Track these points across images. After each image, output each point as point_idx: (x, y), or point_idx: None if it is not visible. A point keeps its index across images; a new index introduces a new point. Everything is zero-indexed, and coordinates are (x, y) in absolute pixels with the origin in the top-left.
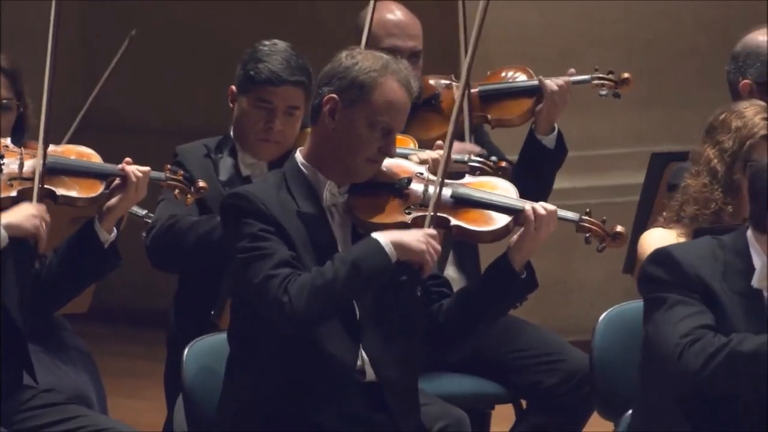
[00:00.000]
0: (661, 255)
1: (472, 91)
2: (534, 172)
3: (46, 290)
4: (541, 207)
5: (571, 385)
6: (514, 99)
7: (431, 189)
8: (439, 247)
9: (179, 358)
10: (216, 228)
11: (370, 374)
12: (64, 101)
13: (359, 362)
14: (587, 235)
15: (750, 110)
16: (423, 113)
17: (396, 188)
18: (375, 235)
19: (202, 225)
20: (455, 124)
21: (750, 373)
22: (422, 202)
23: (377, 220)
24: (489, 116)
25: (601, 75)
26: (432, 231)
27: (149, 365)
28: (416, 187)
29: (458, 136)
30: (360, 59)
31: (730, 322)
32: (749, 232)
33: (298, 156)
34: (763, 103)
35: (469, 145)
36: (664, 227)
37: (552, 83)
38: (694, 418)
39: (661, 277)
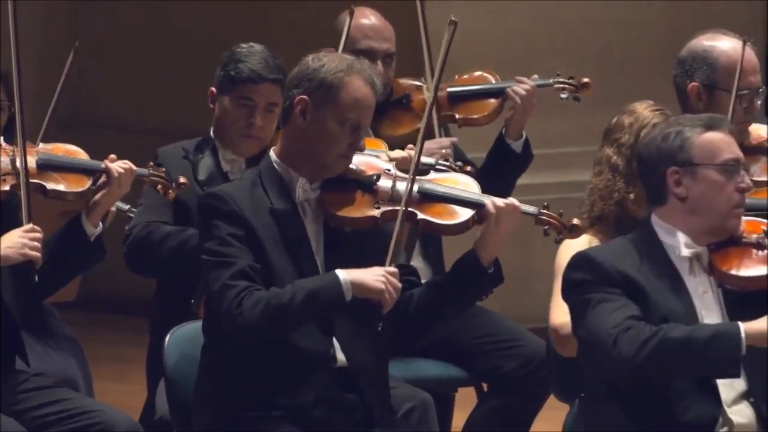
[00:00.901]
0: (580, 259)
1: (441, 93)
2: (499, 174)
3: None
4: (501, 201)
5: (530, 369)
6: (480, 100)
7: (399, 184)
8: (398, 284)
9: (161, 344)
10: (186, 241)
11: (341, 360)
12: (56, 99)
13: (330, 349)
14: (546, 227)
15: (640, 107)
16: (394, 112)
17: (366, 184)
18: (338, 271)
19: (172, 238)
20: (426, 126)
21: (680, 359)
22: (390, 197)
23: (348, 214)
24: (456, 116)
25: (562, 79)
26: (392, 269)
27: (133, 351)
28: (385, 183)
29: (429, 134)
30: (326, 61)
31: (658, 306)
32: (653, 218)
33: (272, 155)
34: (651, 101)
35: (444, 140)
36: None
37: (519, 89)
38: (628, 408)
39: (583, 279)
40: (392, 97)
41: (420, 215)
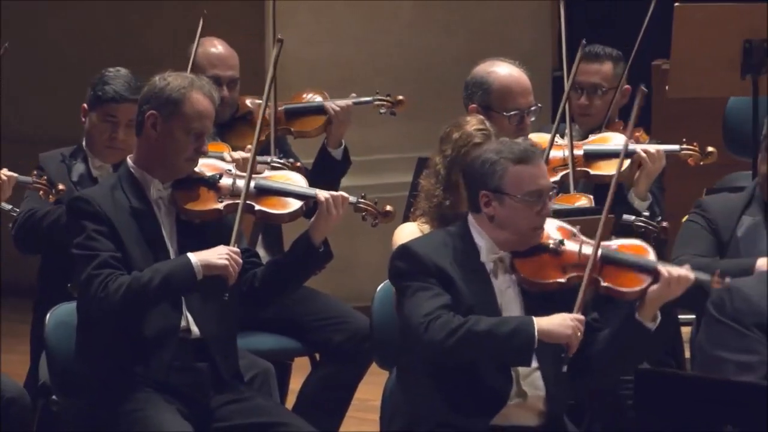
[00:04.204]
0: (403, 250)
1: (279, 108)
2: (324, 177)
3: None
4: (331, 193)
5: (355, 341)
6: (310, 116)
7: (238, 182)
8: (240, 261)
9: (43, 320)
10: (62, 215)
11: (195, 332)
12: None
13: (184, 323)
14: (363, 214)
15: (468, 124)
16: (239, 127)
17: (210, 182)
18: (190, 254)
19: (51, 213)
20: (258, 136)
21: (481, 348)
22: (231, 192)
23: (196, 207)
24: (292, 129)
25: (380, 97)
26: (234, 248)
27: (20, 327)
28: (226, 180)
29: (266, 144)
30: (171, 80)
31: (465, 296)
32: (470, 218)
33: (129, 161)
34: (482, 117)
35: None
36: (412, 221)
37: (335, 105)
38: (438, 377)
39: (404, 268)
40: (237, 114)
41: (257, 207)
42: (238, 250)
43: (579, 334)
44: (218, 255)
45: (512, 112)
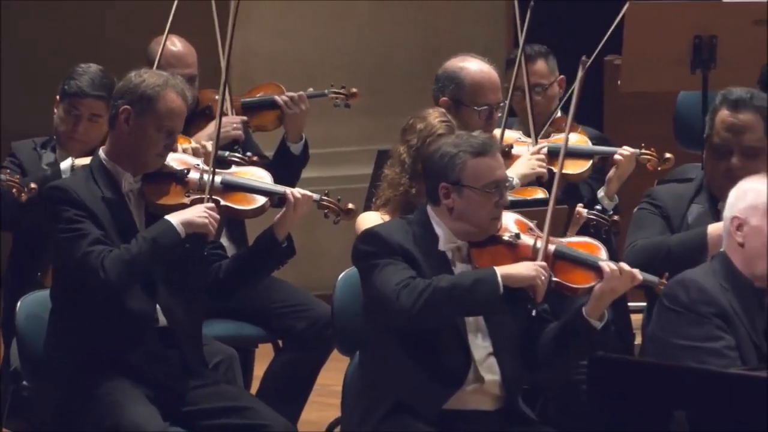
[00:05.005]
0: (367, 234)
1: (236, 103)
2: (283, 171)
3: None
4: (298, 192)
5: (317, 328)
6: (265, 110)
7: (205, 177)
8: (217, 216)
9: (14, 308)
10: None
11: (163, 320)
12: None
13: (154, 311)
14: (326, 211)
15: (431, 115)
16: (199, 121)
17: (178, 176)
18: (168, 217)
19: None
20: (219, 128)
21: (449, 303)
22: (198, 187)
23: (164, 201)
24: (250, 123)
25: (335, 90)
26: (210, 204)
27: None
28: (194, 175)
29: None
30: (146, 77)
31: (428, 278)
32: (429, 209)
33: (101, 153)
34: (443, 110)
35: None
36: (374, 210)
37: (284, 96)
38: (407, 346)
39: (369, 250)
40: (197, 108)
41: (222, 202)
42: (213, 206)
43: (543, 278)
44: (197, 214)
45: (482, 107)
